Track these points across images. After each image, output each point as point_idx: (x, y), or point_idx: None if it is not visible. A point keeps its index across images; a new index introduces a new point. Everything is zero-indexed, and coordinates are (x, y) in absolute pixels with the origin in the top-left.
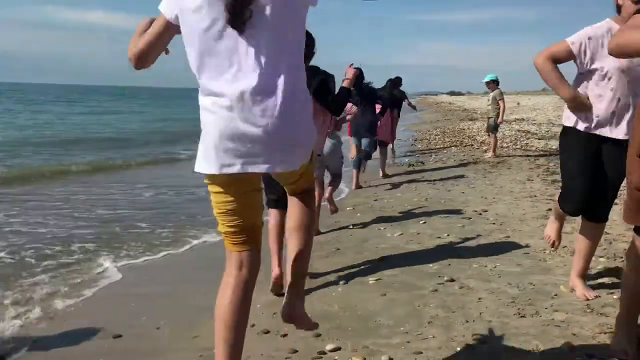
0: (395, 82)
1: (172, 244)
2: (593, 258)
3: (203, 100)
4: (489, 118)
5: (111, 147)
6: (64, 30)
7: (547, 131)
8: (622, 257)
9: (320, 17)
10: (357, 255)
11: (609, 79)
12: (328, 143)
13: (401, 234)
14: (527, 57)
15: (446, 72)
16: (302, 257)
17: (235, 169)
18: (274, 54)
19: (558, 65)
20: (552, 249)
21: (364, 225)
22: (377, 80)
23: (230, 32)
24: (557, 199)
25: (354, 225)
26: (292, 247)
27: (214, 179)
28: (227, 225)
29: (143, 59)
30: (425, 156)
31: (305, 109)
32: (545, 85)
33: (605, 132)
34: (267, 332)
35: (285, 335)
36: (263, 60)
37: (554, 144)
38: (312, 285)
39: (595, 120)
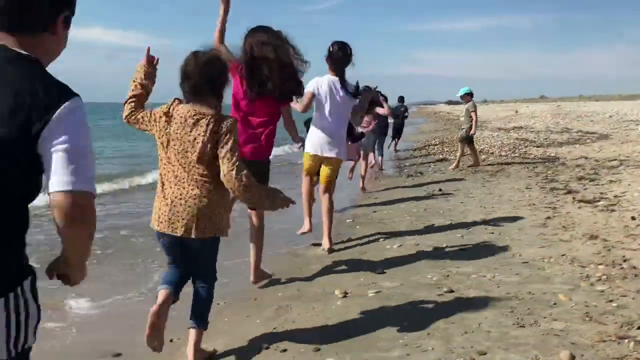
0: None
1: None
2: (591, 265)
3: None
4: (461, 129)
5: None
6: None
7: (546, 139)
8: (620, 265)
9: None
10: (356, 267)
11: None
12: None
13: (400, 246)
14: (524, 65)
15: (444, 82)
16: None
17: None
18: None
19: None
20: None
21: (363, 237)
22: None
23: None
24: None
25: (353, 237)
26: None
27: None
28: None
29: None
30: (424, 166)
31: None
32: (544, 93)
33: None
34: (267, 347)
35: (284, 351)
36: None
37: (553, 152)
38: (311, 298)
39: None
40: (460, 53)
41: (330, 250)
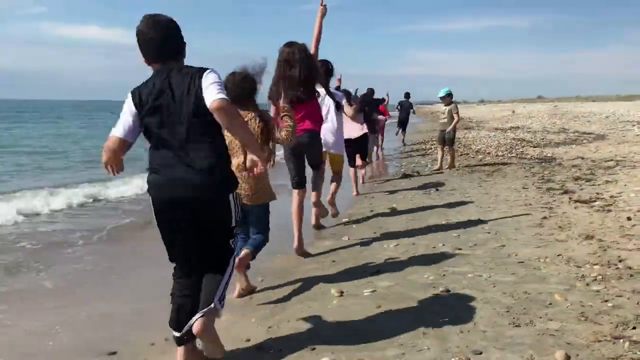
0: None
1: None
2: (587, 265)
3: None
4: (441, 131)
5: None
6: (58, 47)
7: (542, 139)
8: (616, 265)
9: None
10: (352, 267)
11: None
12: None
13: (397, 245)
14: (522, 65)
15: (441, 82)
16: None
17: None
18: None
19: None
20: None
21: (360, 236)
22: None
23: None
24: None
25: (349, 236)
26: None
27: None
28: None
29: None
30: (420, 166)
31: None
32: (541, 93)
33: None
34: (262, 347)
35: (280, 350)
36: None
37: (549, 152)
38: (307, 297)
39: None
40: (458, 53)
41: (335, 215)
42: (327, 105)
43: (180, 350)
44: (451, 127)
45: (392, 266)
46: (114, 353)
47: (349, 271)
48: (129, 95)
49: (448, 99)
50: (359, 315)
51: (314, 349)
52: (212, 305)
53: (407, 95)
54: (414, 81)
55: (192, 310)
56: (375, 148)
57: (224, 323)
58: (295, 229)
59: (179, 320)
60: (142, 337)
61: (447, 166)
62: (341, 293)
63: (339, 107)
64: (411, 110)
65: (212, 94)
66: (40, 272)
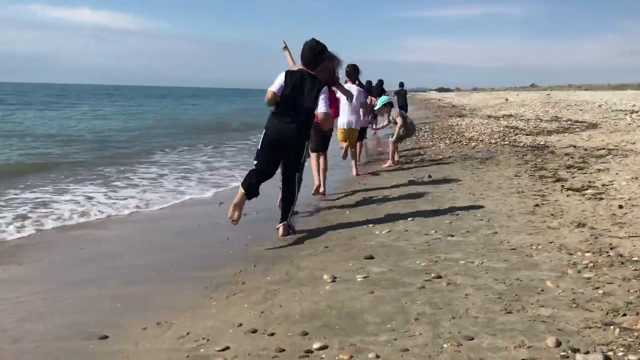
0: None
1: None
2: (579, 253)
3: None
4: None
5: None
6: (49, 29)
7: (535, 127)
8: (607, 252)
9: (305, 14)
10: (344, 252)
11: None
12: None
13: (389, 231)
14: (515, 53)
15: (435, 69)
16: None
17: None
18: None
19: None
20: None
21: (352, 222)
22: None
23: None
24: None
25: (342, 222)
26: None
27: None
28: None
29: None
30: (413, 153)
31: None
32: (534, 81)
33: None
34: (255, 331)
35: (272, 335)
36: None
37: (542, 140)
38: (299, 282)
39: None
40: (452, 40)
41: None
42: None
43: (241, 192)
44: (399, 128)
45: (385, 252)
46: (105, 337)
47: (342, 257)
48: (283, 73)
49: (387, 108)
50: (351, 301)
51: (306, 333)
52: (287, 220)
53: (402, 84)
54: (405, 68)
55: (256, 191)
56: (373, 131)
57: (217, 307)
58: (314, 173)
59: (251, 186)
60: (134, 322)
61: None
62: (333, 278)
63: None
64: (405, 95)
65: (321, 105)
66: (28, 256)
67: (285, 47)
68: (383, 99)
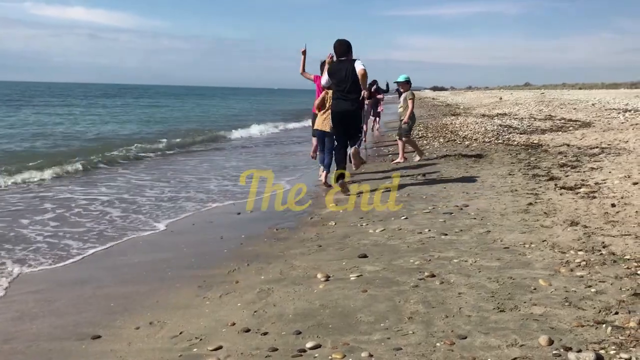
0: None
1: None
2: (571, 251)
3: None
4: (400, 121)
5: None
6: (43, 28)
7: (529, 126)
8: (599, 251)
9: (298, 9)
10: (338, 251)
11: None
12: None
13: (383, 230)
14: (510, 52)
15: (429, 68)
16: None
17: None
18: None
19: None
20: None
21: (346, 221)
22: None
23: None
24: None
25: (336, 221)
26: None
27: None
28: None
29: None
30: (407, 152)
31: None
32: (528, 80)
33: None
34: (248, 330)
35: (265, 334)
36: None
37: (536, 139)
38: (293, 281)
39: None
40: (445, 39)
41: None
42: None
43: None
44: (406, 116)
45: (378, 251)
46: (98, 337)
47: (335, 256)
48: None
49: (406, 85)
50: (344, 300)
51: (299, 332)
52: (357, 145)
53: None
54: (399, 67)
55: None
56: (373, 124)
57: (210, 306)
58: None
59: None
60: (127, 321)
61: (415, 156)
62: (327, 277)
63: None
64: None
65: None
66: (25, 254)
67: (304, 52)
68: (404, 76)
